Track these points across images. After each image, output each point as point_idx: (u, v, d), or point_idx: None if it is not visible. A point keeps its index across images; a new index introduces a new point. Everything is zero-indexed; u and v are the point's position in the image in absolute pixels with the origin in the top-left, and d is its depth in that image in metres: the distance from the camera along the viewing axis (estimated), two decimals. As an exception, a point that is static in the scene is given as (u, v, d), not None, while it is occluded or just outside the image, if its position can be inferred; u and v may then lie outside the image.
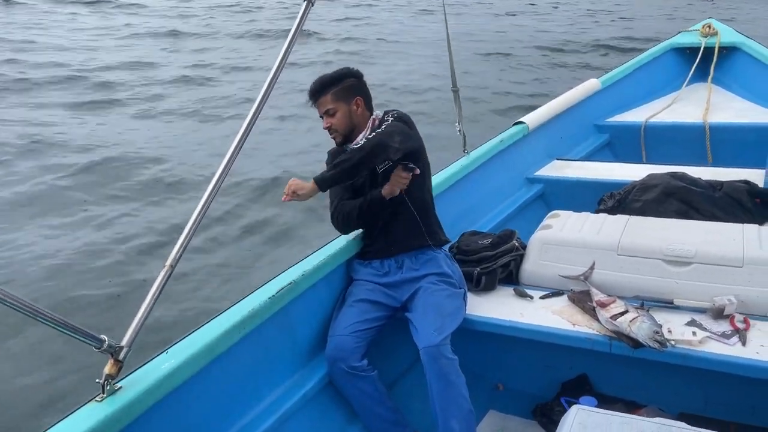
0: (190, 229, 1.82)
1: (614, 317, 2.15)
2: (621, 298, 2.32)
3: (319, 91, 2.41)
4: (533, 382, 2.63)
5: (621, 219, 2.71)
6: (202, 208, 1.85)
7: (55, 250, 4.95)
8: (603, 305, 2.24)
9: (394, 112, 2.43)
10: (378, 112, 2.49)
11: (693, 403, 2.34)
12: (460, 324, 2.28)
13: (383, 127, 2.31)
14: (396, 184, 2.35)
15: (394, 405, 2.30)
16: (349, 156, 2.22)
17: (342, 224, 2.47)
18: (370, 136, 2.27)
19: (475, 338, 2.42)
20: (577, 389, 2.53)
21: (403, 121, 2.38)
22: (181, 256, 1.78)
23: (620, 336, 2.14)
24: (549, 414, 2.52)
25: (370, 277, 2.44)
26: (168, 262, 1.75)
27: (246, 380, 2.04)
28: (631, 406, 2.42)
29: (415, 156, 2.39)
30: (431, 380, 2.07)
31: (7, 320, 3.83)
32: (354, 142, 2.41)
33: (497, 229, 3.23)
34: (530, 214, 3.64)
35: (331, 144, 2.56)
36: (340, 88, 2.41)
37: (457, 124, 3.34)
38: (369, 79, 2.54)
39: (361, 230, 2.55)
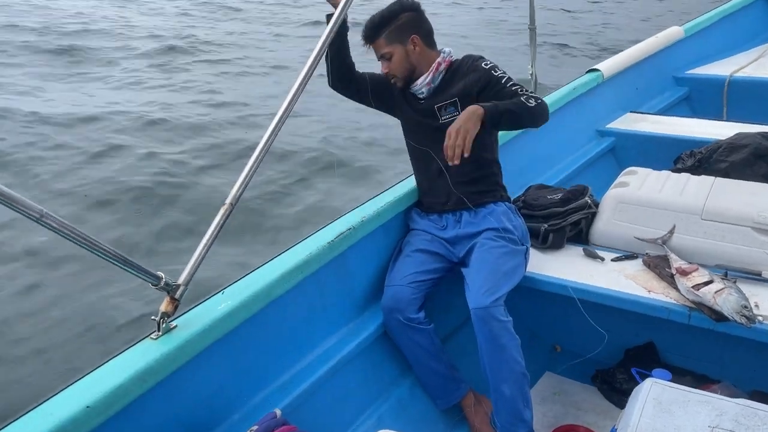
0: (251, 167, 1.72)
1: (697, 287, 1.99)
2: (702, 266, 2.14)
3: (371, 34, 2.22)
4: (594, 347, 2.50)
5: (706, 180, 2.50)
6: (264, 145, 1.74)
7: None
8: (684, 273, 2.07)
9: (485, 60, 2.23)
10: (447, 51, 2.29)
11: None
12: (518, 283, 2.15)
13: (526, 95, 2.13)
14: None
15: (449, 360, 2.22)
16: (520, 112, 2.08)
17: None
18: (539, 101, 2.12)
19: (537, 297, 2.29)
20: (642, 358, 2.39)
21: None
22: (241, 194, 1.69)
23: (701, 307, 1.98)
24: (610, 381, 2.41)
25: (429, 228, 2.32)
26: (228, 200, 1.67)
27: (301, 326, 1.97)
28: (701, 380, 2.28)
29: None
30: (481, 342, 1.97)
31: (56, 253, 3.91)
32: (417, 83, 2.24)
33: (565, 183, 3.05)
34: (600, 168, 3.44)
35: None
36: (394, 28, 2.20)
37: (529, 66, 3.13)
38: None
39: (414, 180, 2.42)
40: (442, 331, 2.30)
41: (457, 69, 2.26)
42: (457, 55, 2.34)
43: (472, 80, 2.20)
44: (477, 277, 2.06)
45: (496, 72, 2.20)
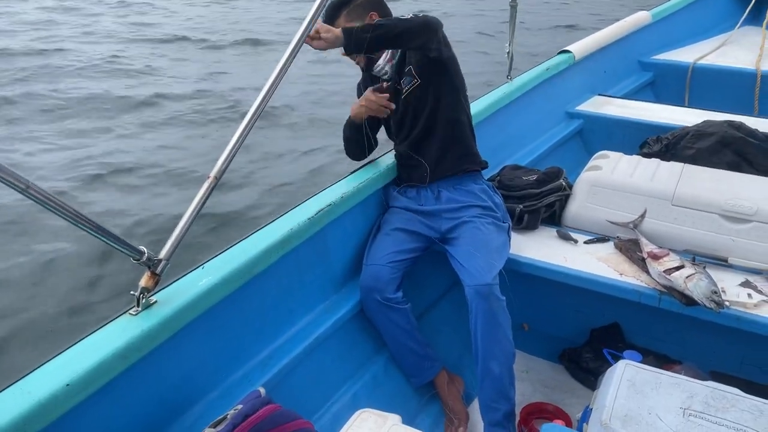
0: (237, 140, 1.67)
1: (668, 271, 2.05)
2: (672, 251, 2.21)
3: (331, 15, 2.21)
4: (561, 326, 2.57)
5: (676, 166, 2.56)
6: (250, 119, 1.69)
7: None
8: (655, 257, 2.13)
9: None
10: None
11: (728, 362, 2.29)
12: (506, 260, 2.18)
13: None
14: (366, 106, 2.20)
15: (425, 339, 2.23)
16: (393, 23, 2.00)
17: (349, 155, 2.41)
18: (419, 14, 2.08)
19: (508, 276, 2.32)
20: (607, 338, 2.46)
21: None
22: (226, 168, 1.64)
23: (672, 292, 2.04)
24: (577, 360, 2.47)
25: (407, 204, 2.31)
26: (212, 173, 1.62)
27: (280, 303, 1.95)
28: (663, 360, 2.36)
29: (446, 66, 2.22)
30: (477, 320, 1.98)
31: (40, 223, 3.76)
32: (379, 62, 2.23)
33: (535, 164, 3.09)
34: (568, 150, 3.49)
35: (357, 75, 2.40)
36: (354, 6, 2.21)
37: (507, 44, 3.13)
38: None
39: (392, 156, 2.42)
40: (415, 310, 2.31)
41: None
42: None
43: None
44: (472, 255, 2.07)
45: None
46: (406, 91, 2.25)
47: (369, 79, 2.37)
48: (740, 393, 1.61)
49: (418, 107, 2.26)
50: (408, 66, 2.24)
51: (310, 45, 1.93)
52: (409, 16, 2.05)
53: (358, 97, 2.40)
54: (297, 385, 1.92)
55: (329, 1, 2.20)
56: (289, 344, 1.93)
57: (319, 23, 1.95)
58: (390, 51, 2.24)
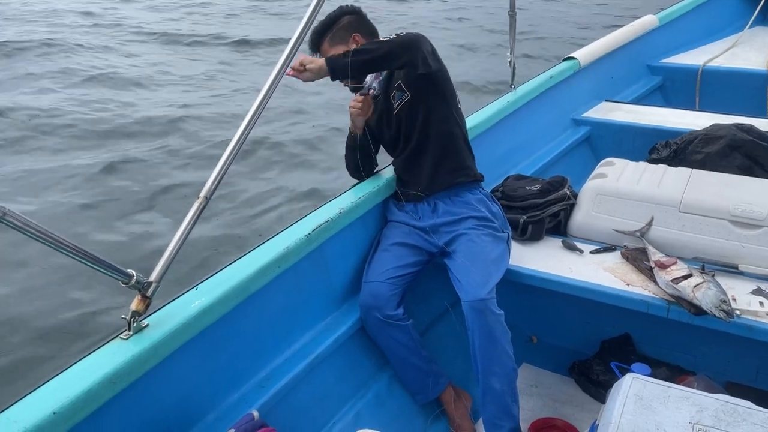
0: (227, 159, 1.65)
1: (675, 281, 1.99)
2: (680, 258, 2.15)
3: (316, 40, 2.22)
4: (571, 338, 2.51)
5: (683, 172, 2.50)
6: (240, 137, 1.68)
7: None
8: (663, 266, 2.07)
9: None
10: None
11: (743, 373, 2.22)
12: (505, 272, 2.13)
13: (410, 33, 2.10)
14: (352, 114, 2.21)
15: (428, 355, 2.19)
16: (375, 47, 2.02)
17: (348, 169, 2.39)
18: (401, 33, 2.07)
19: (515, 288, 2.28)
20: (618, 349, 2.40)
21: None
22: (216, 187, 1.62)
23: (680, 301, 1.98)
24: (587, 373, 2.41)
25: (406, 219, 2.28)
26: (202, 194, 1.60)
27: (278, 322, 1.92)
28: (676, 371, 2.30)
29: (435, 79, 2.17)
30: (474, 336, 1.94)
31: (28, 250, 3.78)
32: (367, 80, 2.23)
33: (542, 173, 3.04)
34: (575, 158, 3.44)
35: None
36: (336, 31, 2.21)
37: (508, 53, 3.10)
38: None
39: (393, 169, 2.38)
40: (419, 325, 2.27)
41: None
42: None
43: None
44: (468, 269, 2.03)
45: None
46: (397, 107, 2.22)
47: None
48: (752, 406, 1.55)
49: (410, 121, 2.22)
50: (397, 81, 2.22)
51: (298, 77, 1.98)
52: (391, 36, 2.05)
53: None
54: (297, 405, 1.89)
55: (312, 29, 2.20)
56: (288, 364, 1.90)
57: (302, 55, 2.00)
58: None
